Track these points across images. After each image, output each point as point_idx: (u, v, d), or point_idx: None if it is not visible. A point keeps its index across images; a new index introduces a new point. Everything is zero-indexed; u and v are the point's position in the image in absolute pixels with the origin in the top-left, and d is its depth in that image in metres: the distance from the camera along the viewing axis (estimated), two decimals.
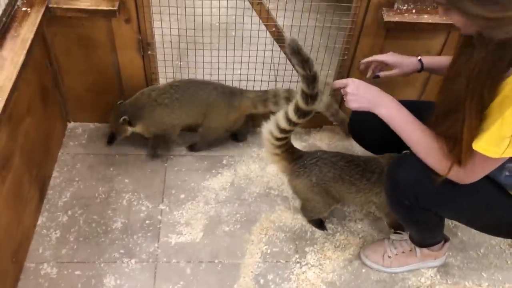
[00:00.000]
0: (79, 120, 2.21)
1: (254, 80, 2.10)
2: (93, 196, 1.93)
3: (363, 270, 1.80)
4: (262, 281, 1.74)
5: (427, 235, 1.71)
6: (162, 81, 2.11)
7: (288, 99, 1.97)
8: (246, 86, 2.11)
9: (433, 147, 1.32)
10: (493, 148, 1.18)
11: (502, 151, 1.18)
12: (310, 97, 1.45)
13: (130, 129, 2.01)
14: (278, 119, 1.57)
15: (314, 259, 1.82)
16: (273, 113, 1.60)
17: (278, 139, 1.64)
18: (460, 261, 1.85)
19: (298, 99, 1.48)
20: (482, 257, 1.87)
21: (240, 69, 2.06)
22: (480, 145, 1.19)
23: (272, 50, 2.05)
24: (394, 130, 1.39)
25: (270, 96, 2.02)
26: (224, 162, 2.13)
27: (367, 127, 1.66)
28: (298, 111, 1.50)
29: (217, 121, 2.06)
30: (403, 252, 1.78)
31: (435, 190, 1.37)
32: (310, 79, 1.41)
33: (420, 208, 1.44)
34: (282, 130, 1.60)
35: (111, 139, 2.06)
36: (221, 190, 2.02)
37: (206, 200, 1.98)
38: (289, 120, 1.54)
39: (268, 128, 1.63)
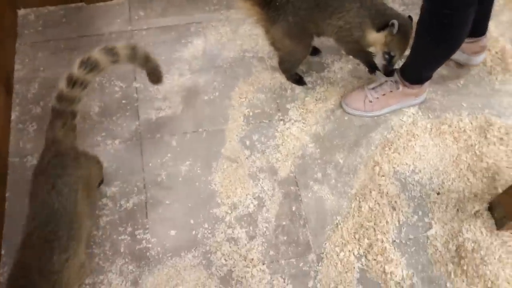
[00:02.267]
0: (30, 5, 2.03)
1: None
2: None
3: (346, 118, 1.82)
4: (248, 142, 1.76)
5: (429, 67, 1.70)
6: None
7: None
8: None
9: None
10: None
11: None
12: None
13: None
14: None
15: (296, 114, 1.82)
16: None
17: None
18: (441, 95, 1.87)
19: None
20: (461, 87, 1.88)
21: None
22: None
23: None
24: None
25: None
26: (192, 29, 2.02)
27: None
28: None
29: None
30: (383, 94, 1.78)
31: None
32: None
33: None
34: None
35: None
36: (193, 60, 1.94)
37: (180, 72, 1.91)
38: None
39: None
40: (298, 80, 1.89)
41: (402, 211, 1.62)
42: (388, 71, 1.77)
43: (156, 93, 1.85)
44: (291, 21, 1.66)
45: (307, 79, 1.90)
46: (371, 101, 1.78)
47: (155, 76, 1.57)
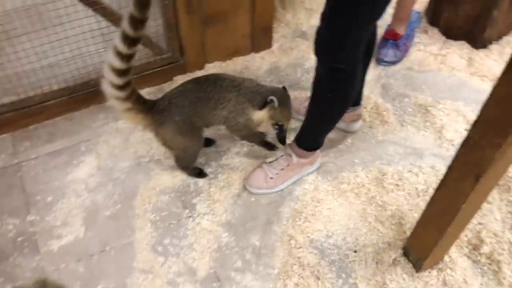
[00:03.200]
0: None
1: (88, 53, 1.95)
2: None
3: (253, 199, 1.84)
4: (160, 248, 1.70)
5: (323, 129, 1.78)
6: None
7: None
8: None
9: None
10: None
11: None
12: (139, 21, 1.38)
13: None
14: (111, 62, 1.46)
15: (204, 207, 1.81)
16: None
17: (120, 87, 1.54)
18: (333, 157, 1.96)
19: (125, 26, 1.38)
20: (350, 146, 2.00)
21: (68, 44, 1.91)
22: None
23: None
24: None
25: None
26: (83, 148, 1.99)
27: None
28: (126, 39, 1.41)
29: None
30: (282, 169, 1.84)
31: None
32: (144, 2, 1.34)
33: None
34: (120, 72, 1.49)
35: None
36: (89, 178, 1.90)
37: (76, 193, 1.84)
38: (120, 55, 1.44)
39: (107, 80, 1.52)
40: (199, 173, 1.90)
41: (326, 278, 1.61)
42: (283, 140, 1.86)
43: (54, 220, 1.76)
44: (178, 119, 1.70)
45: (207, 170, 1.92)
46: (271, 178, 1.83)
47: None
